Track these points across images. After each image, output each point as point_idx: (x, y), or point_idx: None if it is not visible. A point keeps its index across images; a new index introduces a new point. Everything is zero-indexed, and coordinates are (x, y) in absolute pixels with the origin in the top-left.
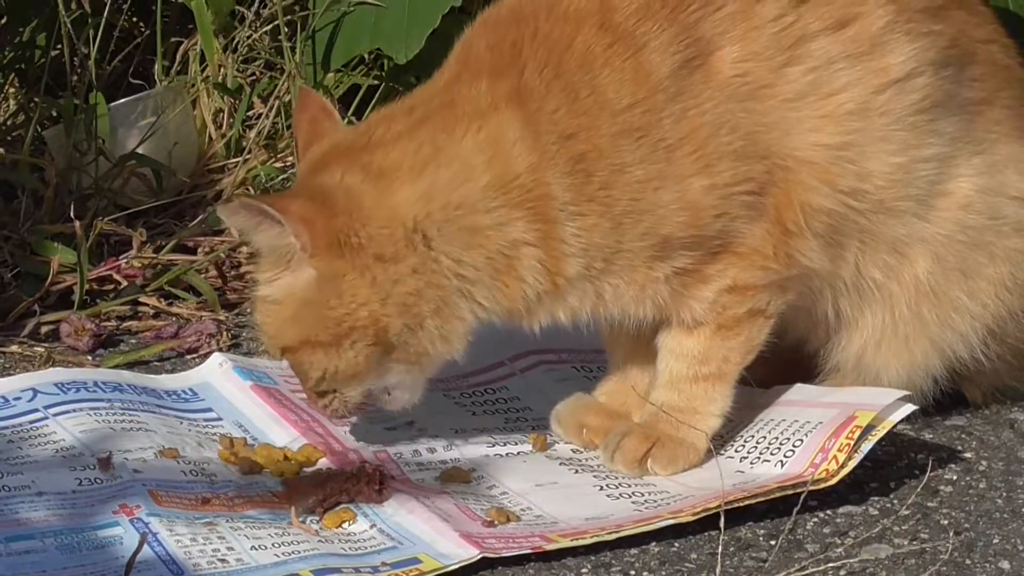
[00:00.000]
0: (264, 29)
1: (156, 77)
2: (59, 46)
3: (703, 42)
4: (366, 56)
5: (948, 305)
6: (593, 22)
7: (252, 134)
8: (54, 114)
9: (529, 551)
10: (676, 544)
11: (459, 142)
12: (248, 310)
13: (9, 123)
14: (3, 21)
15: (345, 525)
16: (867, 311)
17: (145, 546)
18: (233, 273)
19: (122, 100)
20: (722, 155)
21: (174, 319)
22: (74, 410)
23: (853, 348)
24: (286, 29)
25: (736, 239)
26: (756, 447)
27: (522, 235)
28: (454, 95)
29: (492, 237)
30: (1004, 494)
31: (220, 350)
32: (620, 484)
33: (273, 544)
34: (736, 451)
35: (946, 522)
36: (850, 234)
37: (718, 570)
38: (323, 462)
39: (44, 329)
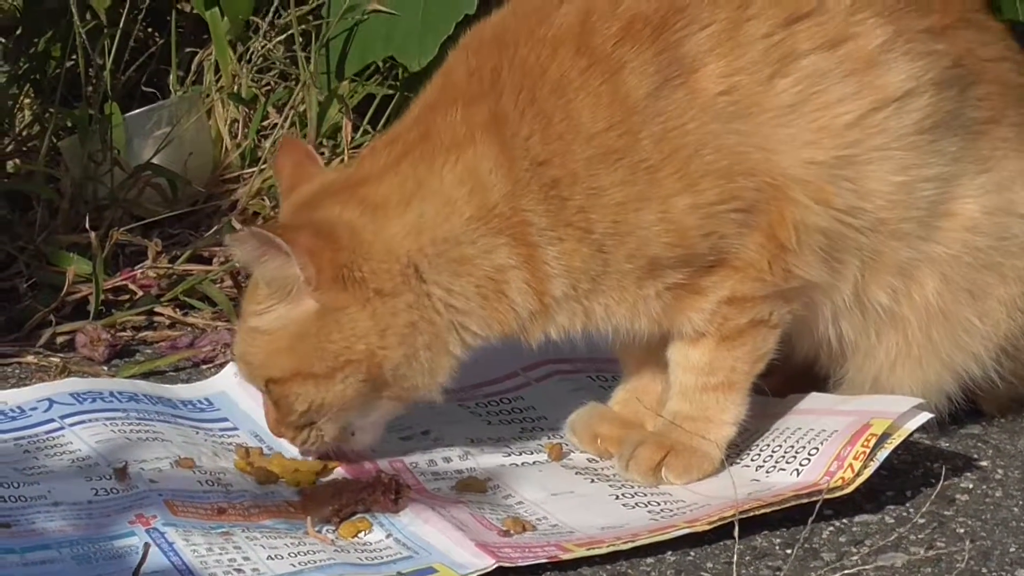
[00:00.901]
0: (278, 39)
1: (171, 87)
2: (74, 57)
3: (686, 60)
4: (380, 65)
5: (959, 327)
6: (570, 46)
7: (267, 144)
8: (69, 124)
9: (545, 560)
10: (692, 553)
11: (439, 175)
12: None
13: (24, 134)
14: (18, 32)
15: (361, 535)
16: (874, 335)
17: (161, 556)
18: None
19: (137, 110)
20: (705, 174)
21: (190, 329)
22: (90, 420)
23: (868, 373)
24: (300, 39)
25: (729, 254)
26: (771, 456)
27: (506, 260)
28: (429, 126)
29: (479, 265)
30: (1021, 502)
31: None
32: (636, 493)
33: (289, 554)
34: (751, 460)
35: (962, 530)
36: (849, 251)
37: None
38: (338, 471)
39: (60, 339)
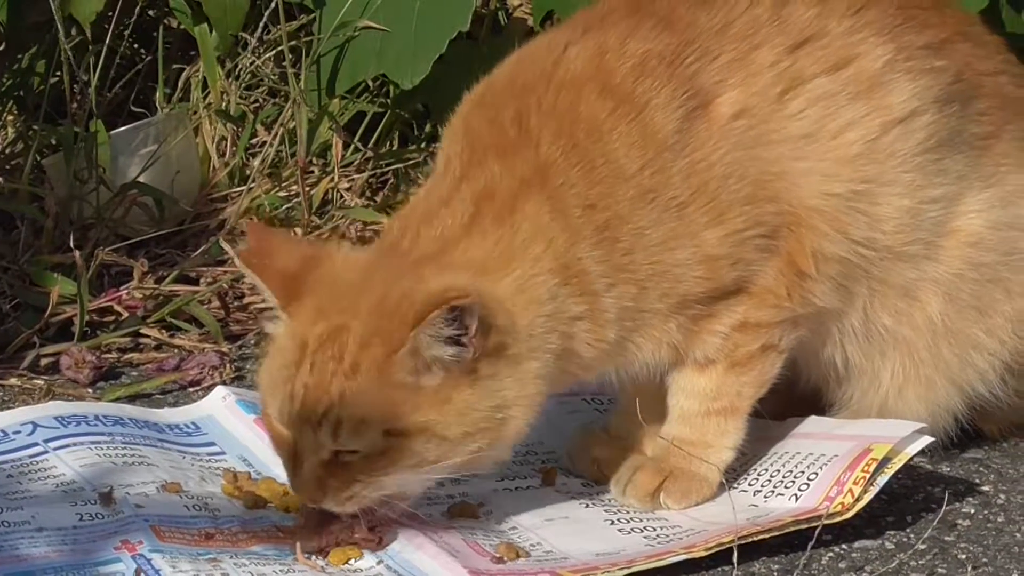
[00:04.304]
0: (268, 55)
1: (158, 104)
2: (59, 73)
3: (703, 93)
4: (371, 83)
5: (967, 343)
6: (592, 87)
7: (256, 162)
8: (53, 142)
9: None
10: None
11: (517, 235)
12: (252, 342)
13: (8, 151)
14: (1, 47)
15: (351, 562)
16: (879, 359)
17: None
18: (236, 304)
19: (123, 128)
20: (732, 203)
21: (176, 351)
22: (75, 444)
23: (875, 398)
24: (290, 55)
25: (749, 281)
26: (770, 480)
27: (577, 310)
28: (485, 184)
29: (560, 319)
30: (1022, 528)
31: (223, 382)
32: (632, 518)
33: None
34: (750, 484)
35: (964, 556)
36: (858, 280)
37: None
38: None
39: (44, 361)
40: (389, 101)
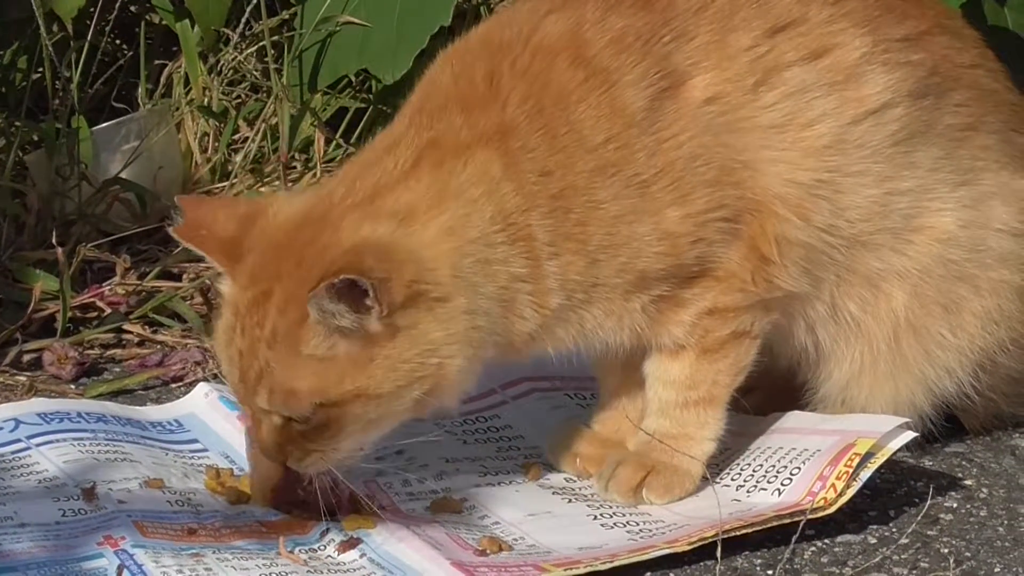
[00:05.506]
0: (250, 50)
1: (140, 100)
2: (40, 69)
3: (676, 73)
4: (353, 78)
5: (930, 341)
6: (566, 56)
7: (238, 158)
8: (35, 138)
9: None
10: (672, 574)
11: (456, 177)
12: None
13: None
14: None
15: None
16: (844, 343)
17: None
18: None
19: (105, 124)
20: (696, 184)
21: (159, 347)
22: (57, 440)
23: (837, 381)
24: (272, 51)
25: (713, 264)
26: (753, 475)
27: (519, 270)
28: (434, 131)
29: (500, 271)
30: (1005, 522)
31: (206, 378)
32: (614, 513)
33: (261, 575)
34: (732, 479)
35: (946, 551)
36: (824, 266)
37: None
38: None
39: (26, 357)
40: (371, 96)
